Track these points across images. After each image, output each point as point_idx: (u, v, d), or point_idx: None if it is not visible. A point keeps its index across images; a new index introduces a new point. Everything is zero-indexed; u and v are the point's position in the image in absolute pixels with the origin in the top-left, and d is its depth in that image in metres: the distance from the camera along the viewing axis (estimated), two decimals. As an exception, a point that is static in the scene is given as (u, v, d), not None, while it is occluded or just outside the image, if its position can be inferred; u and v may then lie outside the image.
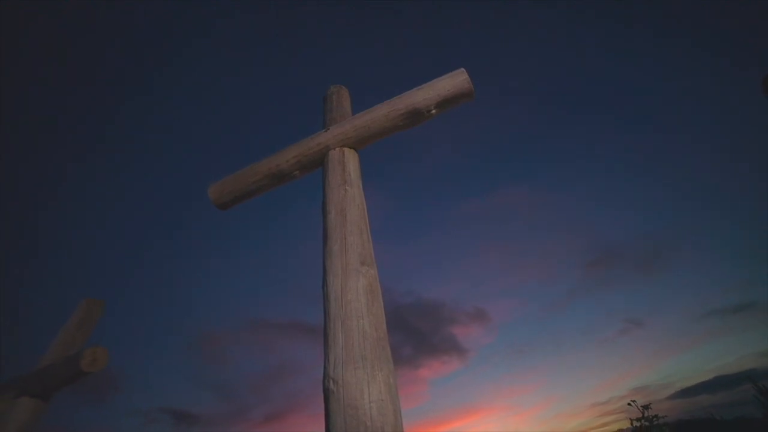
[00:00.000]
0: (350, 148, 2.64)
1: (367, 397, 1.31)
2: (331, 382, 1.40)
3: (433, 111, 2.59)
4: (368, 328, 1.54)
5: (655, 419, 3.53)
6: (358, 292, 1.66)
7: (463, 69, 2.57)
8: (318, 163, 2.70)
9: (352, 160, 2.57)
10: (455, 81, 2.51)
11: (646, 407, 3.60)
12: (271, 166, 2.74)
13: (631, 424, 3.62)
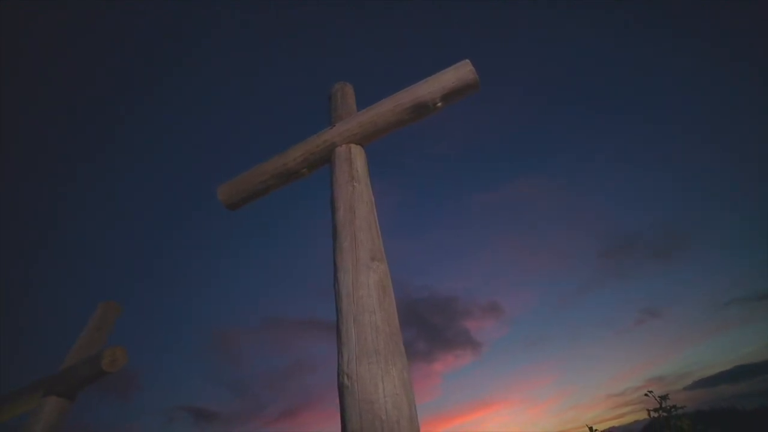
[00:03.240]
0: (356, 144, 2.64)
1: (381, 392, 1.32)
2: (346, 377, 1.41)
3: (439, 104, 2.56)
4: (380, 323, 1.54)
5: (673, 410, 3.46)
6: (369, 287, 1.67)
7: (467, 60, 2.53)
8: (325, 160, 2.70)
9: (358, 156, 2.56)
10: (460, 73, 2.48)
11: (663, 397, 3.53)
12: (278, 165, 2.76)
13: (649, 415, 3.56)
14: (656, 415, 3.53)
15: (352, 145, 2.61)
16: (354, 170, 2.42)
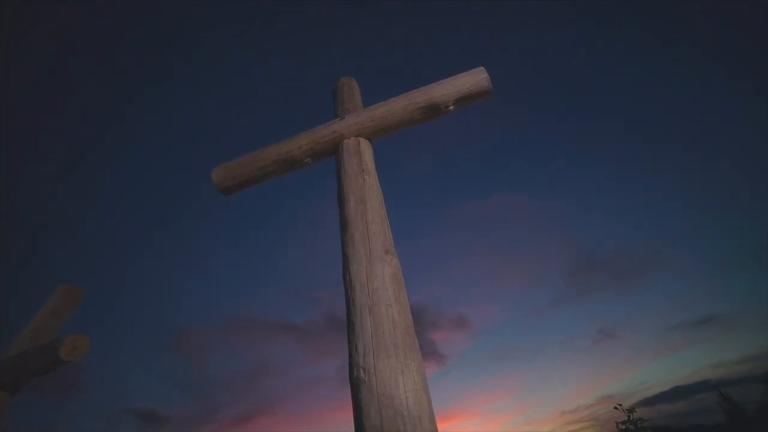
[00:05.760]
0: (365, 138, 2.60)
1: (402, 387, 1.26)
2: (362, 371, 1.33)
3: (451, 107, 2.59)
4: (397, 317, 1.49)
5: (639, 422, 3.64)
6: (384, 280, 1.61)
7: (482, 67, 2.58)
8: (331, 152, 2.63)
9: (367, 150, 2.52)
10: (475, 79, 2.52)
11: (631, 411, 3.71)
12: (281, 152, 2.65)
13: (617, 427, 3.72)
14: (624, 428, 3.69)
15: (361, 139, 2.57)
16: (363, 163, 2.37)
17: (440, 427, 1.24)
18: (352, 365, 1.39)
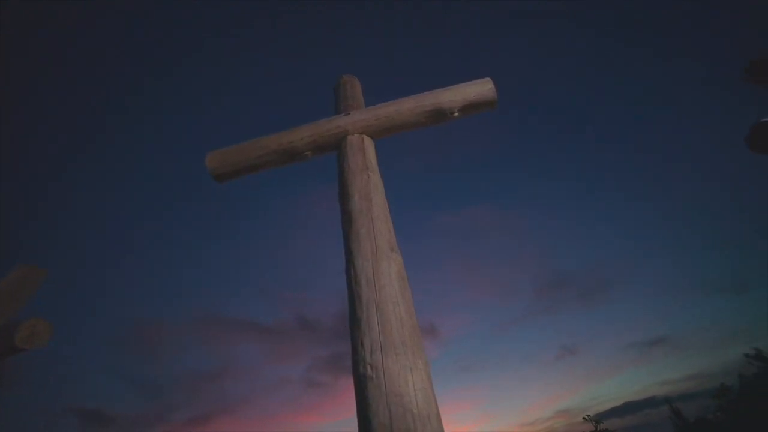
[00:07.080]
0: (369, 136, 2.58)
1: (411, 385, 1.24)
2: (369, 368, 1.30)
3: (456, 114, 2.63)
4: (404, 315, 1.47)
5: (605, 433, 3.79)
6: (390, 277, 1.59)
7: (489, 78, 2.65)
8: (333, 146, 2.59)
9: (371, 147, 2.51)
10: (482, 88, 2.59)
11: (598, 422, 3.86)
12: (282, 142, 2.57)
13: (585, 437, 3.85)
14: (590, 437, 3.83)
15: (365, 136, 2.55)
16: (367, 160, 2.35)
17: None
18: (358, 361, 1.35)
